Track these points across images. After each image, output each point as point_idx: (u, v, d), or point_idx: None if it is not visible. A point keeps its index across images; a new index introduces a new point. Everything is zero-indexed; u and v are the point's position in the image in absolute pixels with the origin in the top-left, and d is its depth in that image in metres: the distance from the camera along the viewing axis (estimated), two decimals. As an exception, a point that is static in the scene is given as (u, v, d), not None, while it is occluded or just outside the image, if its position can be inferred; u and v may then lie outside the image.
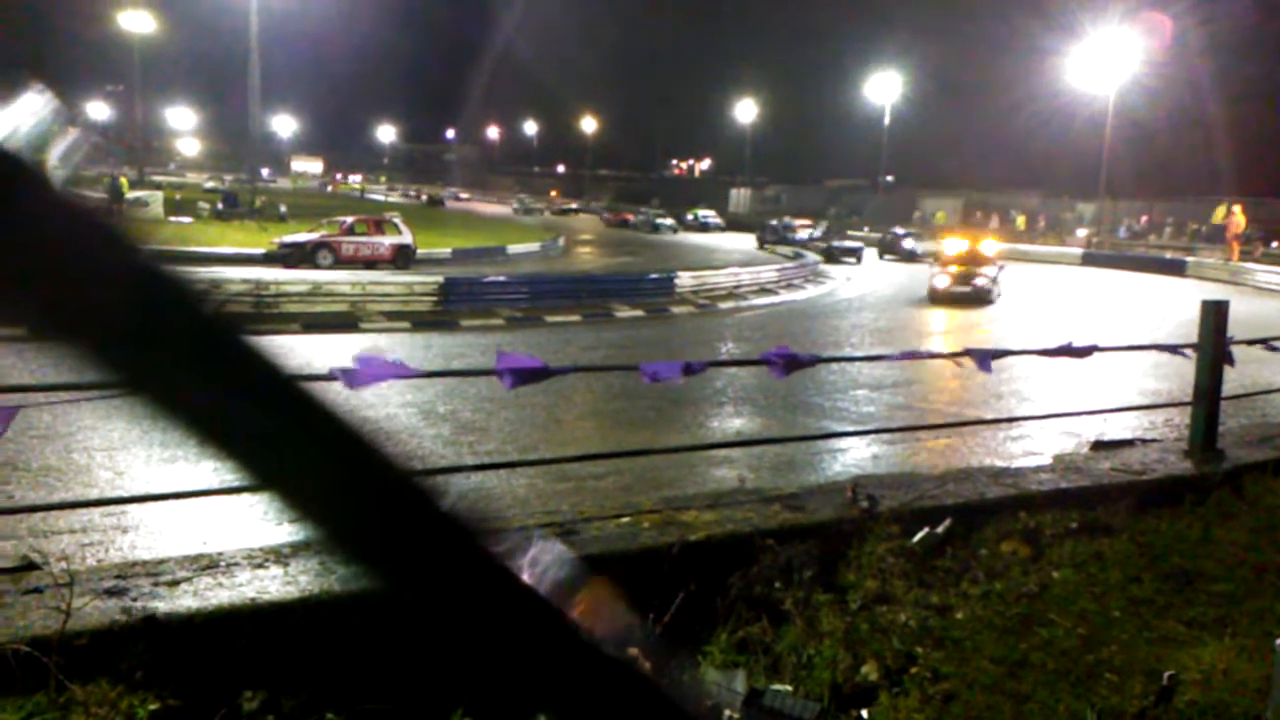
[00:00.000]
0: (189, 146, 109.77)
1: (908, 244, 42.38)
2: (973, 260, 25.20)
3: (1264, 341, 6.04)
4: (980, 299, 23.52)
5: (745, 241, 48.24)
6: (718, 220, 62.99)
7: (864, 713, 2.89)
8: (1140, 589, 3.66)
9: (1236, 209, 41.47)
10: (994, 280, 24.29)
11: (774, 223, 49.36)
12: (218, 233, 32.93)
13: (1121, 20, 48.55)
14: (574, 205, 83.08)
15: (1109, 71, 48.85)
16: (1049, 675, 2.99)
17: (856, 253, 39.44)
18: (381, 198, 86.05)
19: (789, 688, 2.97)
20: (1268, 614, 3.48)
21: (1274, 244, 42.20)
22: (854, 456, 8.70)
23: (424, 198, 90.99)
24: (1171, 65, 49.61)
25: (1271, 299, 29.58)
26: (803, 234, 45.87)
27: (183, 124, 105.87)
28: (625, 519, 3.70)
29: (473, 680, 3.04)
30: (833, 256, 37.78)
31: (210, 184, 67.73)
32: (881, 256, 41.75)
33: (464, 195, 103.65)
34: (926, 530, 3.91)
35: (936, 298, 23.87)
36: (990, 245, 28.16)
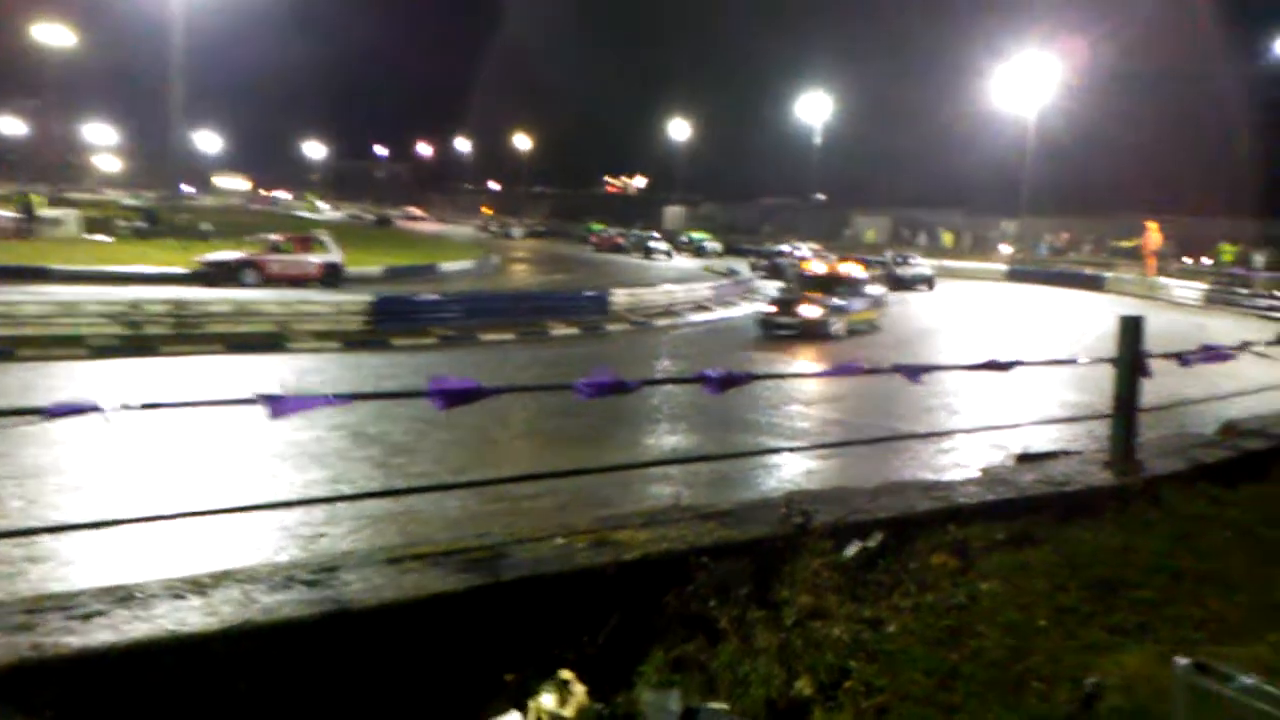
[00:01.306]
0: (108, 163, 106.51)
1: (901, 271, 38.51)
2: (822, 287, 21.62)
3: (1178, 355, 6.26)
4: (810, 333, 20.04)
5: (739, 267, 42.72)
6: (715, 245, 58.52)
7: (799, 729, 2.89)
8: (1065, 598, 3.74)
9: (1153, 226, 43.14)
10: (839, 311, 20.70)
11: (768, 248, 45.24)
12: (137, 251, 32.01)
13: (1041, 45, 50.38)
14: (541, 227, 77.78)
15: (1030, 94, 50.62)
16: (978, 685, 3.03)
17: None
18: (311, 214, 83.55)
19: (725, 706, 2.96)
20: (1185, 619, 3.59)
21: (1187, 259, 43.94)
22: (789, 471, 8.79)
23: (371, 217, 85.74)
24: (1088, 89, 51.53)
25: (1186, 312, 30.78)
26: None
27: (101, 140, 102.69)
28: (560, 540, 3.66)
29: (404, 708, 2.97)
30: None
31: (130, 201, 65.71)
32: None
33: (417, 213, 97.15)
34: (859, 544, 3.95)
35: (765, 329, 20.80)
36: (853, 269, 24.36)
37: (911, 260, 40.97)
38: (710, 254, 55.67)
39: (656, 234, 60.30)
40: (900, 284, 37.23)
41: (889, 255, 43.41)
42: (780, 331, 20.17)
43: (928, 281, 39.07)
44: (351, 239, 36.77)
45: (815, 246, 48.50)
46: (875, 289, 23.81)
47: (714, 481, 8.13)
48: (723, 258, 52.70)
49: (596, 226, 67.00)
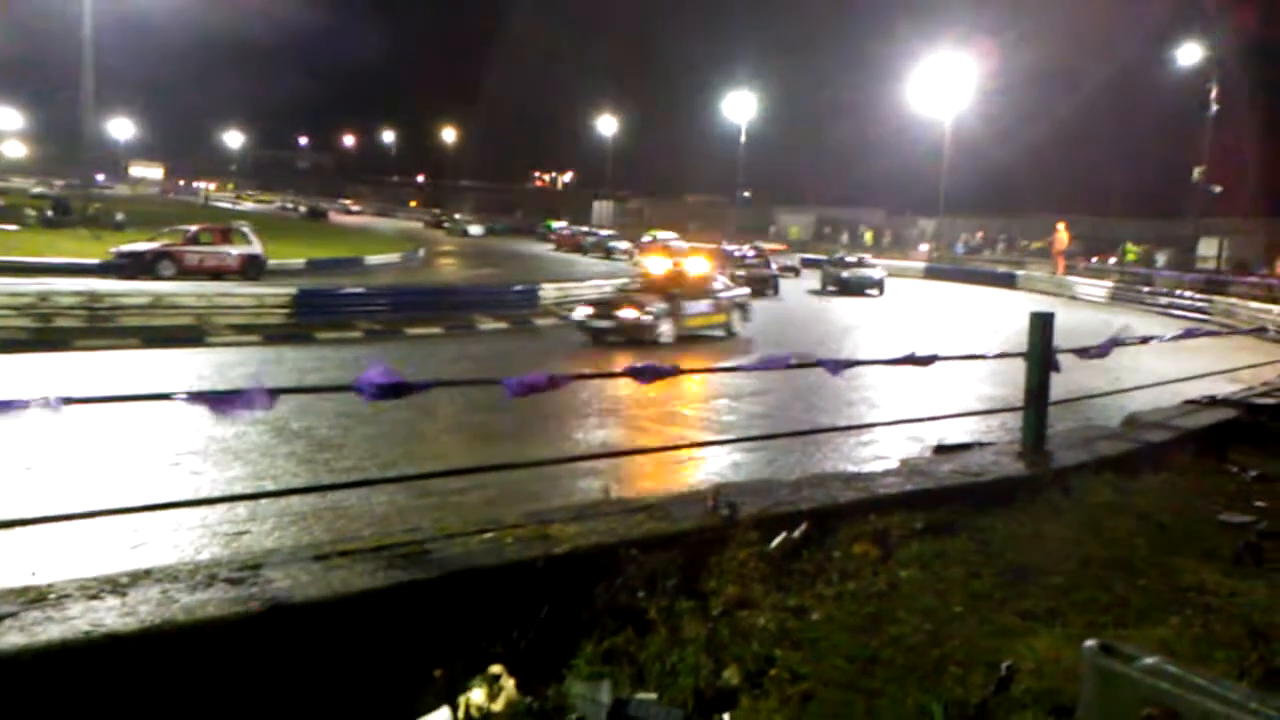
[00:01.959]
0: (14, 149, 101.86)
1: (848, 274, 35.39)
2: (658, 288, 19.42)
3: (1085, 351, 6.52)
4: (633, 335, 17.67)
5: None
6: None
7: (726, 716, 2.95)
8: (980, 584, 3.88)
9: (1061, 226, 44.64)
10: (669, 314, 18.29)
11: (734, 251, 41.65)
12: (46, 241, 30.73)
13: (956, 48, 51.73)
14: (501, 224, 73.73)
15: (947, 97, 51.90)
16: (898, 670, 3.13)
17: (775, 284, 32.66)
18: (235, 204, 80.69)
19: (654, 696, 3.00)
20: (1092, 604, 3.75)
21: (1094, 259, 45.58)
22: (715, 464, 8.87)
23: (301, 209, 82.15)
24: (1002, 92, 53.07)
25: (1092, 309, 31.93)
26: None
27: (7, 125, 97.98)
28: (489, 534, 3.66)
29: (333, 708, 2.94)
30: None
31: (38, 189, 62.94)
32: (824, 288, 35.39)
33: (352, 206, 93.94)
34: (784, 535, 4.03)
35: (583, 333, 18.49)
36: (699, 264, 21.54)
37: (865, 261, 37.15)
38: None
39: (617, 234, 58.62)
40: (845, 288, 34.27)
41: (839, 254, 40.91)
42: (604, 337, 18.02)
43: (877, 285, 34.84)
44: (276, 231, 35.91)
45: (777, 247, 47.75)
46: (733, 290, 21.27)
47: (643, 475, 8.19)
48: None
49: (554, 224, 65.06)
